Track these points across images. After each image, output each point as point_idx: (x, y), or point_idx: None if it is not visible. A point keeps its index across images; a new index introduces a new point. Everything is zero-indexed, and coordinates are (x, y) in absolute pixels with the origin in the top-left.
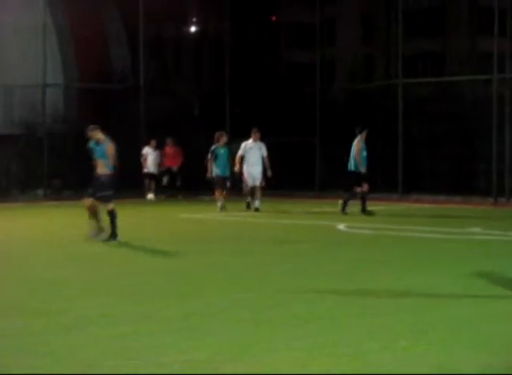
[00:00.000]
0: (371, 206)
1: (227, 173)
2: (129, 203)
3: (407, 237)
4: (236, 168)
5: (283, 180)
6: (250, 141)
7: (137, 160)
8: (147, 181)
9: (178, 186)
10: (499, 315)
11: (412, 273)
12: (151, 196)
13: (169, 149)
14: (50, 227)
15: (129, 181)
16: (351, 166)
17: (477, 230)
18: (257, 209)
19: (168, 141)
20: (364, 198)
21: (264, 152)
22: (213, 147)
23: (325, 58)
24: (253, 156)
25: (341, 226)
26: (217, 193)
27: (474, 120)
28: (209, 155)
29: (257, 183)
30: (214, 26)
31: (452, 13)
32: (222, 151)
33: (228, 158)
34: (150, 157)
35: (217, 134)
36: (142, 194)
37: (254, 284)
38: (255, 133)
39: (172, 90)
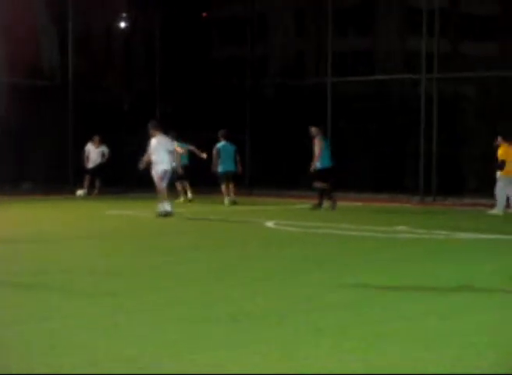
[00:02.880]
0: (298, 204)
1: (231, 169)
2: (55, 200)
3: (334, 234)
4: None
5: (212, 176)
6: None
7: (64, 156)
8: (86, 177)
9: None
10: (423, 312)
11: (340, 270)
12: (80, 192)
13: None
14: None
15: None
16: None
17: (403, 228)
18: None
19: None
20: (322, 194)
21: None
22: (218, 144)
23: (257, 53)
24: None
25: (269, 224)
26: (222, 188)
27: (402, 119)
28: (214, 152)
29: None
30: (144, 22)
31: (382, 12)
32: (226, 148)
33: (232, 154)
34: (92, 154)
35: (220, 132)
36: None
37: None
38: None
39: (101, 86)
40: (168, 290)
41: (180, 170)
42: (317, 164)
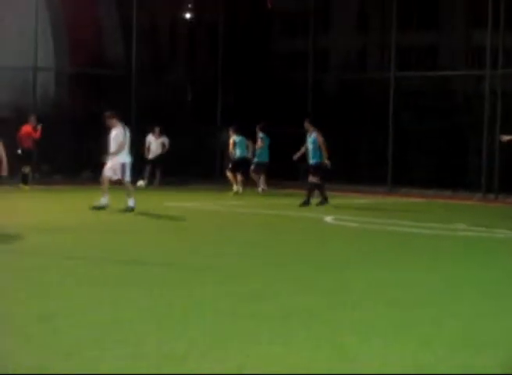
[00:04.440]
0: (359, 199)
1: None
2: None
3: (391, 231)
4: None
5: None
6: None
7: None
8: (147, 168)
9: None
10: (475, 313)
11: (393, 267)
12: (141, 183)
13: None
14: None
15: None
16: (314, 157)
17: (462, 226)
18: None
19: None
20: (313, 191)
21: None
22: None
23: (319, 47)
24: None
25: (328, 219)
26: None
27: (466, 115)
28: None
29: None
30: (208, 13)
31: (446, 4)
32: (239, 139)
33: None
34: (152, 145)
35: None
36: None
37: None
38: None
39: (164, 77)
40: (218, 285)
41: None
42: (314, 160)
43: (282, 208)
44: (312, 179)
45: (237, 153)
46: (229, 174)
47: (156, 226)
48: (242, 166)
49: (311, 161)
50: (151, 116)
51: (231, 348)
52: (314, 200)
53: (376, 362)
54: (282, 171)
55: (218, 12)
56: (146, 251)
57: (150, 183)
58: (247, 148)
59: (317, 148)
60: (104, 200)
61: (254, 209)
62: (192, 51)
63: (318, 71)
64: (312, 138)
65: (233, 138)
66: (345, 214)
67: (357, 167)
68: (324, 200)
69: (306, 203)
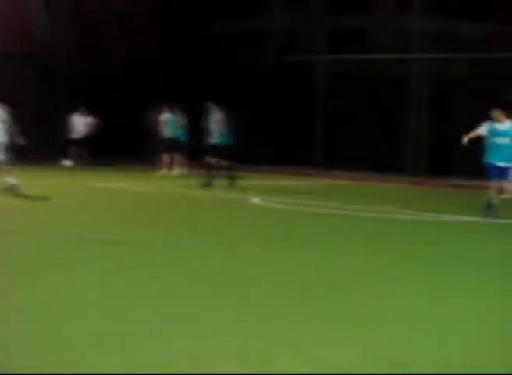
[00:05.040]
0: (287, 180)
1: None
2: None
3: (319, 213)
4: None
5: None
6: None
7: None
8: (73, 147)
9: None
10: (412, 292)
11: (323, 249)
12: (67, 162)
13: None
14: None
15: None
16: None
17: (391, 208)
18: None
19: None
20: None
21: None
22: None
23: (254, 29)
24: None
25: (255, 200)
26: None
27: (393, 98)
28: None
29: None
30: None
31: None
32: (169, 117)
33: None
34: (77, 124)
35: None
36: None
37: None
38: None
39: (99, 58)
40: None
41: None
42: (214, 139)
43: (209, 189)
44: (209, 160)
45: (168, 132)
46: (163, 156)
47: (73, 204)
48: (174, 146)
49: (213, 141)
50: (84, 97)
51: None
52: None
53: (314, 343)
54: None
55: None
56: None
57: (77, 163)
58: (180, 127)
59: (218, 128)
60: None
61: (180, 190)
62: (128, 31)
63: (252, 53)
64: (216, 117)
65: (164, 116)
66: (273, 196)
67: (287, 149)
68: (209, 182)
69: (208, 184)
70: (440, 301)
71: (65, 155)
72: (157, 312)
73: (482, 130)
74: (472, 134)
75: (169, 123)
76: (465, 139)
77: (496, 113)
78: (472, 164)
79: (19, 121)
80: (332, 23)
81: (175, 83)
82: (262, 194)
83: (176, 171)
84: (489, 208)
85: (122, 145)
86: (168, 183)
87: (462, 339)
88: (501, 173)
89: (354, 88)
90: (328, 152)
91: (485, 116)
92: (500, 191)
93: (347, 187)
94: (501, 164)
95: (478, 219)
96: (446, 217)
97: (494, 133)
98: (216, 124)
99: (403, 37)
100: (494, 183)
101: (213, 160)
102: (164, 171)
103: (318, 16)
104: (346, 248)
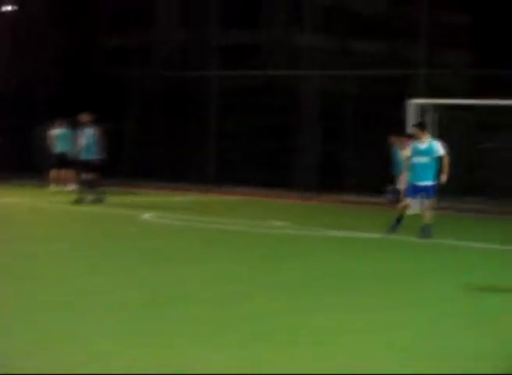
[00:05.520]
0: (180, 196)
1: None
2: None
3: (210, 228)
4: None
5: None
6: None
7: None
8: None
9: None
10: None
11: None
12: None
13: None
14: None
15: None
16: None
17: (281, 223)
18: None
19: None
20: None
21: None
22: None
23: (142, 43)
24: None
25: (146, 216)
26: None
27: (286, 115)
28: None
29: None
30: (31, 5)
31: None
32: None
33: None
34: None
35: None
36: None
37: None
38: None
39: None
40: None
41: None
42: (88, 156)
43: (95, 205)
44: (86, 176)
45: (59, 147)
46: (52, 171)
47: None
48: (65, 161)
49: (86, 156)
50: None
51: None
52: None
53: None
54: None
55: (41, 5)
56: None
57: None
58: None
59: (93, 143)
60: None
61: (68, 206)
62: (14, 44)
63: (142, 67)
64: (90, 133)
65: (54, 131)
66: (165, 212)
67: (179, 164)
68: (99, 197)
69: (81, 200)
70: (343, 314)
71: None
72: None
73: (408, 150)
74: (405, 159)
75: (60, 137)
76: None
77: (417, 132)
78: (363, 180)
79: None
80: (225, 39)
81: (63, 97)
82: (154, 210)
83: (69, 187)
84: (396, 225)
85: (18, 160)
86: (60, 199)
87: (369, 350)
88: (420, 191)
89: (247, 104)
90: (220, 168)
91: (372, 134)
92: (405, 208)
93: (239, 203)
94: (421, 183)
95: (365, 234)
96: (334, 232)
97: (416, 152)
98: (88, 139)
99: (295, 54)
100: (407, 201)
101: (85, 175)
102: (54, 186)
103: (210, 32)
104: (228, 261)
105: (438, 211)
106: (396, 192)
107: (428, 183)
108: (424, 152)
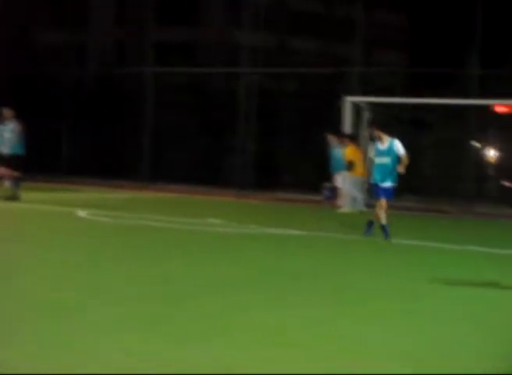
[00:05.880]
0: (115, 193)
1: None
2: None
3: (146, 226)
4: None
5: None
6: None
7: None
8: None
9: None
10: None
11: (148, 261)
12: None
13: None
14: None
15: None
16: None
17: (216, 221)
18: None
19: None
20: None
21: None
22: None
23: (78, 40)
24: None
25: (82, 213)
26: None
27: (223, 112)
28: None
29: None
30: None
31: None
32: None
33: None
34: None
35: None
36: None
37: None
38: None
39: None
40: None
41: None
42: (12, 150)
43: (30, 201)
44: (7, 171)
45: None
46: None
47: None
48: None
49: (7, 151)
50: None
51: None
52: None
53: (133, 358)
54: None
55: None
56: None
57: None
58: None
59: (14, 137)
60: None
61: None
62: None
63: (76, 65)
64: (10, 127)
65: None
66: (100, 209)
67: (115, 162)
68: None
69: (14, 197)
70: (283, 311)
71: None
72: None
73: (370, 151)
74: (368, 160)
75: None
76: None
77: (377, 133)
78: (299, 178)
79: None
80: (161, 36)
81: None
82: (89, 208)
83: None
84: (369, 227)
85: None
86: None
87: (306, 349)
88: (382, 192)
89: (183, 101)
90: (156, 165)
91: (310, 132)
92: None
93: (174, 201)
94: (383, 184)
95: (303, 232)
96: (270, 230)
97: (377, 153)
98: (10, 134)
99: (232, 51)
100: (381, 203)
101: (3, 170)
102: None
103: (146, 29)
104: (163, 259)
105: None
106: (332, 190)
107: (388, 184)
108: (385, 153)
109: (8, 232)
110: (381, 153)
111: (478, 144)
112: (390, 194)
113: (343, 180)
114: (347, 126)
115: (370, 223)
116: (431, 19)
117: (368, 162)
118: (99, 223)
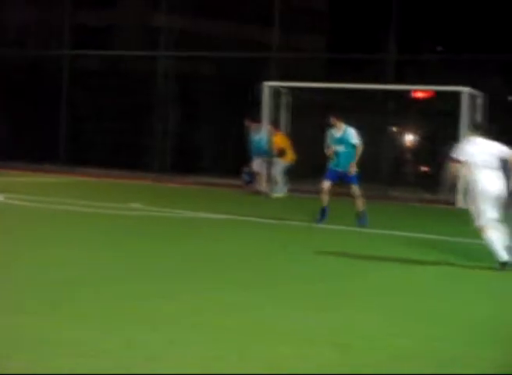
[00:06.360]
0: (31, 177)
1: None
2: None
3: (65, 210)
4: None
5: None
6: None
7: None
8: None
9: None
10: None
11: (70, 246)
12: None
13: None
14: None
15: None
16: None
17: (137, 205)
18: None
19: None
20: None
21: None
22: None
23: None
24: None
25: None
26: None
27: (141, 96)
28: None
29: None
30: None
31: None
32: None
33: None
34: None
35: None
36: None
37: None
38: None
39: None
40: None
41: None
42: None
43: None
44: None
45: None
46: None
47: None
48: None
49: None
50: None
51: None
52: None
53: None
54: None
55: None
56: None
57: None
58: None
59: None
60: None
61: None
62: None
63: None
64: None
65: None
66: (15, 193)
67: (32, 146)
68: None
69: None
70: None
71: None
72: None
73: (327, 138)
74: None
75: None
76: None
77: (333, 120)
78: (220, 162)
79: None
80: (78, 19)
81: None
82: (4, 191)
83: None
84: (323, 214)
85: None
86: None
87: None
88: (338, 178)
89: (101, 85)
90: (73, 149)
91: (228, 117)
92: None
93: (92, 185)
94: (339, 170)
95: (219, 216)
96: (190, 214)
97: (332, 140)
98: None
99: (149, 34)
100: (325, 184)
101: None
102: None
103: (63, 11)
104: (80, 243)
105: (297, 194)
106: (251, 175)
107: (345, 170)
108: (338, 141)
109: None
110: (335, 140)
111: (395, 129)
112: (353, 179)
113: (274, 166)
114: (266, 111)
115: (322, 211)
116: (349, 4)
117: (327, 148)
118: (15, 207)
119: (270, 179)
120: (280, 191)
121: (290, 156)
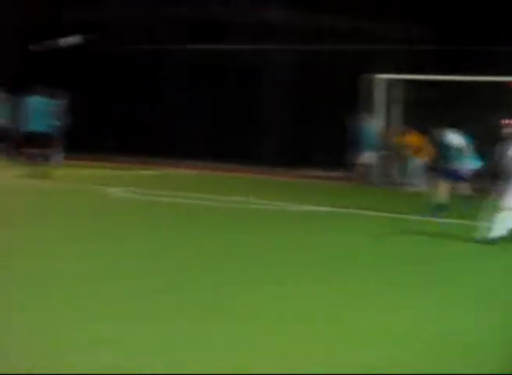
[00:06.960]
0: (145, 171)
1: None
2: None
3: (178, 203)
4: None
5: None
6: None
7: None
8: None
9: None
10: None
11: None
12: None
13: None
14: None
15: None
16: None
17: (244, 198)
18: None
19: None
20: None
21: None
22: None
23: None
24: None
25: (115, 191)
26: None
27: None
28: None
29: None
30: None
31: None
32: None
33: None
34: None
35: None
36: None
37: None
38: None
39: None
40: None
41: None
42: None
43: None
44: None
45: None
46: None
47: None
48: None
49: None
50: None
51: None
52: None
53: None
54: None
55: None
56: None
57: None
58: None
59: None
60: None
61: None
62: None
63: None
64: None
65: None
66: (131, 186)
67: (141, 139)
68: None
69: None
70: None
71: None
72: None
73: None
74: None
75: None
76: None
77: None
78: (328, 156)
79: None
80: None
81: None
82: (119, 185)
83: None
84: (441, 209)
85: None
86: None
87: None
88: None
89: (216, 79)
90: (189, 143)
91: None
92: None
93: (202, 178)
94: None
95: (328, 209)
96: (295, 207)
97: None
98: (36, 110)
99: (261, 28)
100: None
101: (29, 149)
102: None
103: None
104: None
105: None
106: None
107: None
108: None
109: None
110: None
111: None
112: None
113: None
114: (378, 104)
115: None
116: None
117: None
118: (131, 200)
119: (402, 174)
120: (417, 185)
121: (427, 153)
